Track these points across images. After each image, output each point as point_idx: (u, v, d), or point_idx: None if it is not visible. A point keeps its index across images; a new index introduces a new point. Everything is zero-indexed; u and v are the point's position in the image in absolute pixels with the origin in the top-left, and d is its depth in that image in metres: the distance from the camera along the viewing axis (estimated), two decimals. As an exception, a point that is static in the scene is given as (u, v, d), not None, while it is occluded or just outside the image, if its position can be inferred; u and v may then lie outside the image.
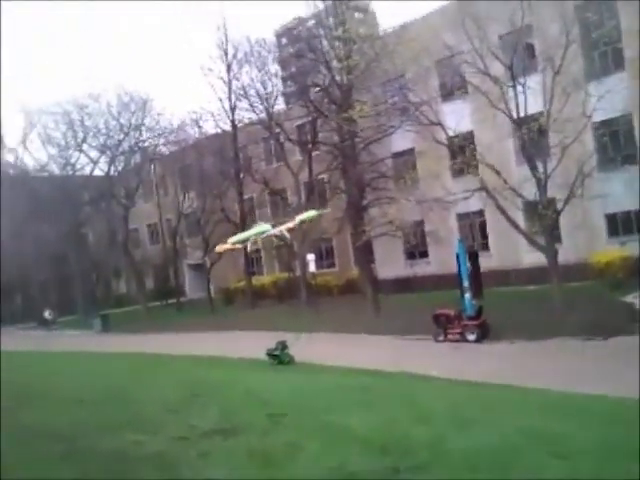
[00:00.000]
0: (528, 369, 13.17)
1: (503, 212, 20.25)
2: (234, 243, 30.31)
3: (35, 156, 52.15)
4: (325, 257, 37.49)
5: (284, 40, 56.34)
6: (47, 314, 40.08)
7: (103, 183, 37.69)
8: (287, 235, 33.49)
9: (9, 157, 42.09)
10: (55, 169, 39.47)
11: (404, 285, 31.57)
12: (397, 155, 30.96)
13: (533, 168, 19.27)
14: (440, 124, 20.56)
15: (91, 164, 38.60)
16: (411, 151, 31.24)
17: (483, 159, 21.08)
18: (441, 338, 19.18)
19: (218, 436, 6.59)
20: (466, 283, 19.62)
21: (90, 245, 45.87)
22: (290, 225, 33.30)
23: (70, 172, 39.19)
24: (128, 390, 10.28)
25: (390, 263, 32.35)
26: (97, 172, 39.76)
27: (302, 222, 33.24)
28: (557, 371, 12.52)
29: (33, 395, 10.09)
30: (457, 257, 20.90)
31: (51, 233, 41.35)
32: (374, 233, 25.25)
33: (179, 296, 40.26)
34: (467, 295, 19.42)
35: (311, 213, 36.99)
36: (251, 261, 37.74)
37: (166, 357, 18.11)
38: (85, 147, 37.50)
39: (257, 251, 39.94)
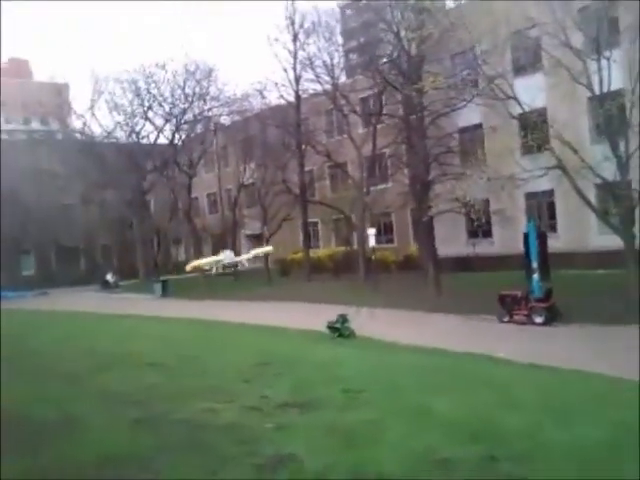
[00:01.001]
0: (604, 355, 12.55)
1: (579, 192, 19.35)
2: (200, 265, 33.61)
3: (102, 123, 53.53)
4: (384, 232, 37.06)
5: (348, 12, 55.30)
6: (109, 277, 41.28)
7: (167, 151, 38.17)
8: (245, 264, 35.20)
9: (77, 123, 43.15)
10: (121, 136, 40.24)
11: (464, 264, 30.92)
12: (464, 130, 30.11)
13: (614, 147, 18.25)
14: (515, 98, 19.67)
15: (156, 132, 39.23)
16: (479, 127, 30.32)
17: (559, 136, 20.10)
18: (506, 319, 18.67)
19: (293, 409, 6.45)
20: (535, 264, 18.95)
21: (152, 212, 46.79)
22: (248, 256, 35.35)
23: (135, 140, 39.85)
24: (198, 356, 10.32)
25: (451, 241, 31.64)
26: (161, 141, 40.42)
27: (257, 255, 35.06)
28: (636, 360, 11.88)
29: (110, 360, 10.23)
30: (525, 237, 20.22)
31: (116, 199, 42.45)
32: (439, 209, 24.63)
33: (236, 265, 40.62)
34: (535, 276, 18.78)
35: (268, 248, 38.15)
36: (308, 234, 37.67)
37: (228, 325, 18.22)
38: (150, 115, 38.14)
39: (314, 224, 39.96)
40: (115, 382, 8.44)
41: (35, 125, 47.28)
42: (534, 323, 17.96)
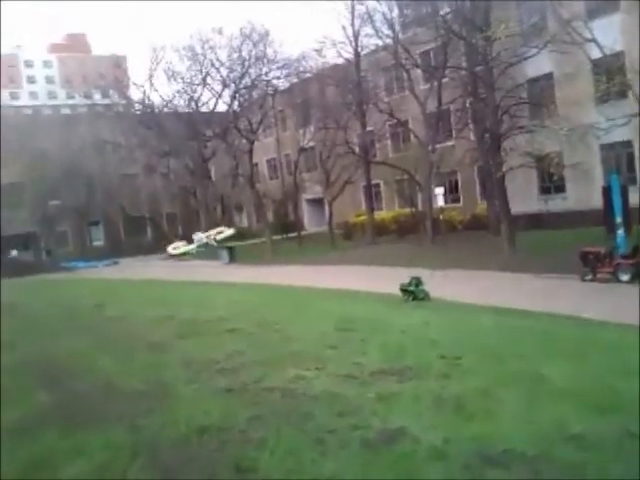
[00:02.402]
0: None
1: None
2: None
3: (161, 92, 53.89)
4: (449, 192, 35.95)
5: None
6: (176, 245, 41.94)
7: (226, 117, 38.04)
8: (214, 243, 37.89)
9: (137, 94, 43.60)
10: (180, 104, 40.38)
11: (536, 222, 29.67)
12: (533, 81, 28.53)
13: None
14: (595, 41, 18.28)
15: (214, 99, 39.13)
16: (549, 76, 28.72)
17: (641, 80, 18.64)
18: (589, 277, 17.69)
19: (391, 377, 6.08)
20: (619, 219, 17.81)
21: (214, 179, 47.10)
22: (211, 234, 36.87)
23: (194, 107, 39.90)
24: (277, 322, 10.08)
25: (521, 198, 30.36)
26: (220, 107, 40.33)
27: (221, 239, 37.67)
28: None
29: (190, 327, 10.16)
30: (605, 191, 19.02)
31: (178, 167, 42.87)
32: (510, 165, 23.55)
33: (299, 230, 40.53)
34: (620, 232, 17.66)
35: (229, 232, 39.20)
36: (371, 196, 36.98)
37: (298, 290, 18.03)
38: (209, 81, 37.98)
39: (376, 186, 39.21)
40: (199, 349, 8.31)
41: (96, 98, 48.02)
42: (619, 281, 16.96)
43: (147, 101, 41.70)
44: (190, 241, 42.80)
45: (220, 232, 41.54)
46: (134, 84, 43.02)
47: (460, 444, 4.14)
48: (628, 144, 26.92)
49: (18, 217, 42.55)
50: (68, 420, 5.57)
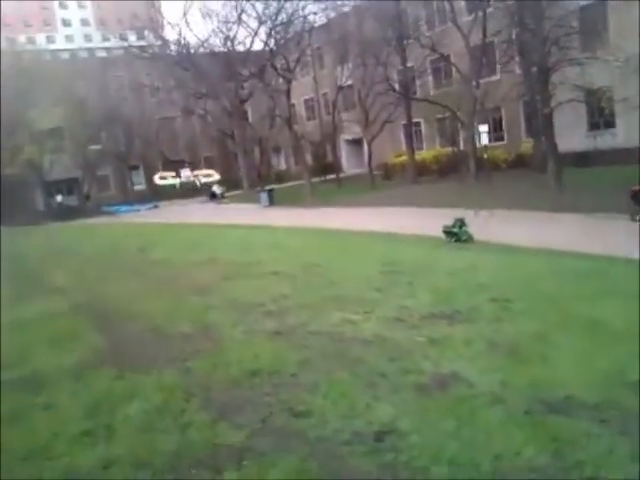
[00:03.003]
0: None
1: None
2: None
3: (196, 32, 53.05)
4: (492, 129, 34.86)
5: None
6: (216, 188, 42.12)
7: (263, 56, 37.27)
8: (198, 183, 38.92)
9: (172, 34, 43.02)
10: (216, 44, 39.70)
11: (584, 159, 28.60)
12: (584, 9, 26.94)
13: None
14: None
15: (250, 37, 38.27)
16: (602, 3, 27.08)
17: None
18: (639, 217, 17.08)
19: (441, 321, 5.97)
20: (674, 155, 17.00)
21: (251, 121, 46.69)
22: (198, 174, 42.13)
23: (230, 46, 39.20)
24: (320, 264, 10.03)
25: (568, 135, 29.22)
26: (256, 46, 39.51)
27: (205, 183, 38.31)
28: None
29: (234, 269, 10.20)
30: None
31: (215, 109, 42.50)
32: (558, 100, 22.55)
33: (338, 172, 40.11)
34: (674, 169, 16.90)
35: (215, 177, 38.94)
36: (411, 135, 36.13)
37: (339, 232, 17.89)
38: (244, 18, 37.13)
39: (416, 124, 38.25)
40: (244, 292, 8.33)
41: (132, 40, 47.58)
42: (673, 220, 16.31)
43: (182, 41, 41.11)
44: (229, 184, 43.07)
45: (209, 175, 42.77)
46: (169, 24, 42.53)
47: (518, 390, 4.03)
48: (687, 75, 25.44)
49: (60, 162, 43.16)
50: (121, 362, 5.67)
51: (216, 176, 43.64)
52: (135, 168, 49.61)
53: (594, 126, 29.34)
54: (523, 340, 5.04)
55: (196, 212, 33.39)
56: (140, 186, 49.91)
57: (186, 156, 49.24)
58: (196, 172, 42.94)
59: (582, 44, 26.23)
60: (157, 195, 45.88)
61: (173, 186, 42.53)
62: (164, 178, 43.14)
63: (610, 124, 28.58)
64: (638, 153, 24.99)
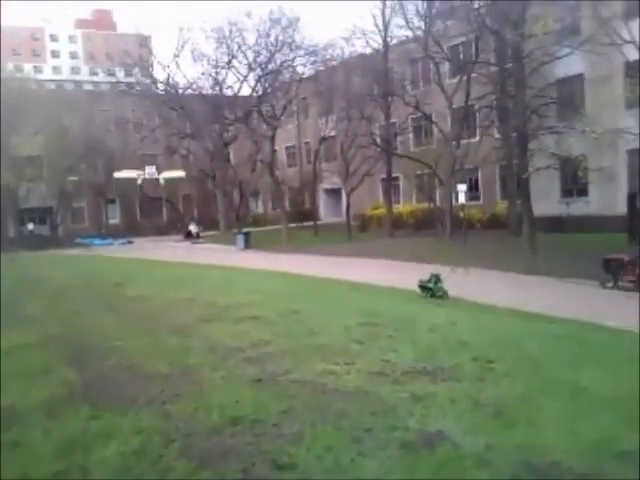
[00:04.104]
0: None
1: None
2: None
3: (186, 73, 53.71)
4: (469, 189, 35.67)
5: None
6: (193, 228, 42.00)
7: (250, 102, 37.88)
8: (162, 182, 38.98)
9: (161, 74, 43.51)
10: (204, 86, 40.25)
11: (557, 224, 29.32)
12: (562, 81, 28.12)
13: None
14: (634, 42, 17.93)
15: (239, 83, 38.98)
16: (580, 77, 28.30)
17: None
18: (610, 285, 17.41)
19: (424, 377, 5.96)
20: (645, 226, 17.53)
21: (233, 164, 47.03)
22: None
23: (219, 90, 39.76)
24: (299, 311, 9.99)
25: (542, 199, 30.03)
26: (244, 91, 40.18)
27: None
28: None
29: (213, 311, 10.10)
30: (631, 197, 18.75)
31: (198, 150, 42.79)
32: (534, 165, 23.25)
33: (315, 219, 40.40)
34: (645, 240, 17.39)
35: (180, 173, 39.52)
36: (390, 189, 36.75)
37: (316, 280, 17.91)
38: (235, 64, 37.84)
39: (395, 179, 38.93)
40: (223, 335, 8.23)
41: (120, 76, 48.03)
42: (641, 290, 16.67)
43: (171, 81, 41.67)
44: (206, 224, 42.99)
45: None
46: (159, 63, 43.00)
47: (504, 453, 4.02)
48: (656, 151, 26.50)
49: (37, 191, 42.74)
50: (96, 400, 5.51)
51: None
52: (112, 202, 49.31)
53: (567, 193, 30.23)
54: (508, 402, 5.05)
55: (172, 250, 33.14)
56: (115, 220, 49.55)
57: (164, 193, 49.19)
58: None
59: (560, 114, 27.28)
60: (131, 230, 45.52)
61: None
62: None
63: (583, 192, 29.49)
64: (609, 221, 25.79)
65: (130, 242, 41.53)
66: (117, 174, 41.61)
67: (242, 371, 6.44)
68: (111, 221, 49.24)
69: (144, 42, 48.06)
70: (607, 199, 27.44)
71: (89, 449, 4.39)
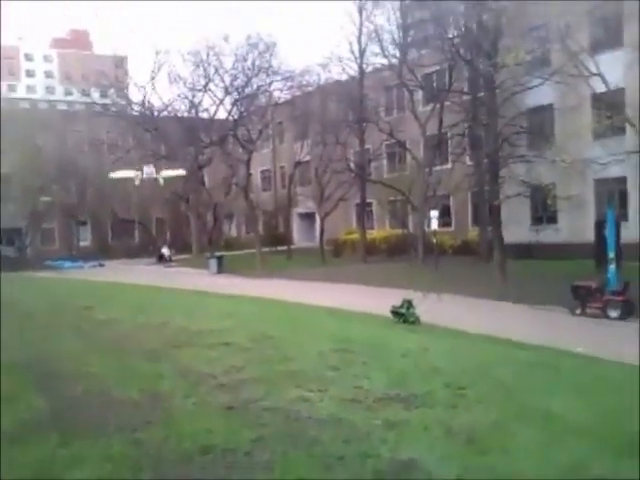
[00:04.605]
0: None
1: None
2: None
3: (162, 95, 53.78)
4: (441, 215, 36.12)
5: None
6: (165, 251, 41.63)
7: (226, 125, 37.99)
8: (162, 182, 37.08)
9: (137, 95, 43.43)
10: (180, 109, 40.32)
11: (527, 251, 29.82)
12: (532, 111, 28.83)
13: None
14: (601, 75, 18.52)
15: (215, 106, 39.11)
16: (549, 108, 29.04)
17: (643, 118, 18.88)
18: (578, 312, 17.71)
19: (397, 404, 5.96)
20: (612, 254, 17.86)
21: (207, 187, 46.94)
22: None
23: (194, 113, 39.83)
24: (272, 337, 9.94)
25: (513, 227, 30.56)
26: (220, 114, 40.28)
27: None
28: None
29: (184, 336, 9.99)
30: (598, 225, 19.11)
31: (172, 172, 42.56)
32: (505, 193, 23.70)
33: (289, 243, 40.41)
34: (612, 267, 17.71)
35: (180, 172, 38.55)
36: (364, 214, 37.01)
37: (290, 305, 17.87)
38: (211, 87, 37.99)
39: (369, 204, 39.25)
40: (195, 361, 8.13)
41: (95, 97, 47.82)
42: (608, 317, 16.99)
43: (147, 103, 41.60)
44: (178, 247, 42.62)
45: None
46: (135, 85, 42.94)
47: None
48: (622, 180, 27.23)
49: (5, 211, 41.99)
50: (64, 427, 5.40)
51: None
52: (83, 224, 48.70)
53: (537, 220, 30.81)
54: (480, 429, 5.08)
55: (143, 274, 32.77)
56: (86, 242, 48.88)
57: (137, 216, 48.79)
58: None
59: (531, 143, 27.93)
60: (103, 253, 44.93)
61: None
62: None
63: (553, 219, 30.09)
64: (578, 249, 26.26)
65: (101, 265, 40.94)
66: (113, 174, 39.40)
67: (214, 398, 6.36)
68: (82, 243, 48.58)
69: (120, 63, 48.13)
70: (576, 227, 27.99)
71: (57, 477, 4.29)
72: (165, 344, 9.38)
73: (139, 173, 38.62)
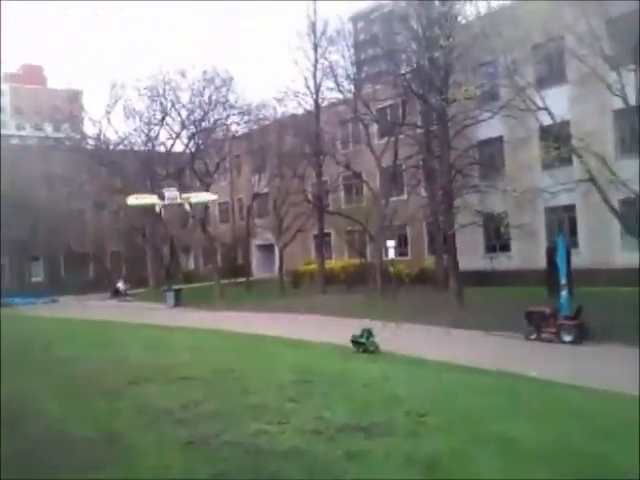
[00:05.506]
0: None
1: (612, 208, 18.88)
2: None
3: (117, 129, 53.33)
4: (398, 245, 36.59)
5: (361, 24, 55.18)
6: (121, 285, 40.84)
7: (182, 159, 37.89)
8: (188, 208, 34.90)
9: (92, 130, 42.94)
10: (136, 142, 40.02)
11: (482, 279, 30.34)
12: (483, 143, 29.71)
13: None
14: (547, 109, 19.28)
15: (171, 140, 38.98)
16: (499, 140, 29.95)
17: (588, 148, 19.65)
18: (533, 337, 18.05)
19: (358, 434, 5.99)
20: (564, 280, 18.37)
21: (164, 220, 46.47)
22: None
23: (150, 147, 39.63)
24: (233, 370, 9.86)
25: (468, 255, 31.16)
26: (177, 148, 40.16)
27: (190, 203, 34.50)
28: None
29: (142, 372, 9.81)
30: (548, 252, 19.67)
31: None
32: (459, 222, 24.23)
33: (248, 275, 40.21)
34: (564, 293, 18.20)
35: (212, 196, 37.22)
36: (321, 245, 37.24)
37: (250, 337, 17.72)
38: (168, 121, 37.91)
39: (327, 235, 39.52)
40: (153, 397, 8.01)
41: (48, 131, 47.12)
42: (562, 341, 17.38)
43: (102, 137, 41.20)
44: (135, 281, 41.89)
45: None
46: (90, 119, 42.51)
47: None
48: (571, 208, 28.14)
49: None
50: (20, 469, 5.24)
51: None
52: (35, 259, 47.45)
53: (491, 248, 31.46)
54: (441, 455, 5.14)
55: (99, 309, 32.04)
56: (38, 278, 47.55)
57: (92, 249, 47.84)
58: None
59: (483, 174, 28.71)
60: (56, 288, 43.72)
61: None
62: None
63: (506, 247, 30.76)
64: (531, 275, 26.89)
65: (54, 301, 39.79)
66: (131, 200, 34.04)
67: (172, 434, 6.28)
68: (34, 279, 47.25)
69: (75, 97, 47.54)
70: (528, 254, 28.67)
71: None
72: (123, 381, 9.20)
73: (159, 200, 33.43)
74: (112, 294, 40.35)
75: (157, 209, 34.23)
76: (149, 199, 34.56)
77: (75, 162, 41.06)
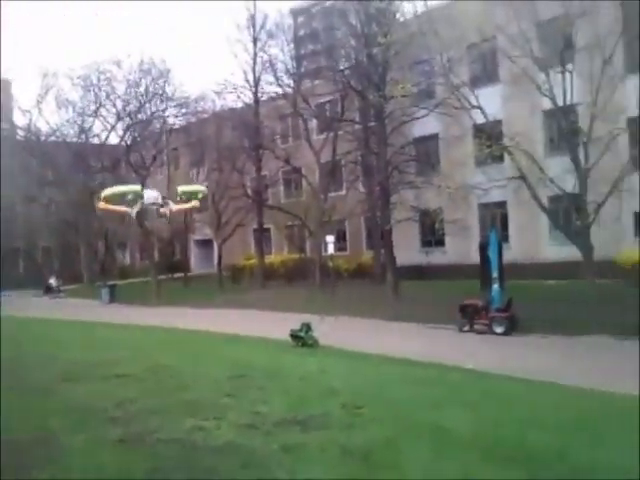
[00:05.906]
0: (578, 367, 12.58)
1: (540, 204, 19.66)
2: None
3: (49, 120, 51.36)
4: (337, 240, 36.89)
5: (301, 18, 55.19)
6: (53, 281, 39.47)
7: (118, 151, 36.88)
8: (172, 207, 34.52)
9: (22, 120, 41.25)
10: (69, 134, 38.65)
11: (417, 273, 31.05)
12: (419, 140, 30.32)
13: (575, 159, 18.65)
14: (480, 107, 19.87)
15: (106, 132, 37.85)
16: (435, 137, 30.63)
17: (518, 147, 20.40)
18: (466, 329, 18.65)
19: (295, 427, 6.03)
20: (495, 274, 19.02)
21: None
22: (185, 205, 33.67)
23: (84, 138, 38.37)
24: (168, 367, 9.73)
25: (404, 249, 31.77)
26: (112, 141, 39.04)
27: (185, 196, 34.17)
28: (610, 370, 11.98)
29: (75, 370, 9.54)
30: (481, 246, 20.32)
31: (61, 199, 40.64)
32: (396, 218, 24.67)
33: (186, 270, 39.65)
34: (496, 286, 18.84)
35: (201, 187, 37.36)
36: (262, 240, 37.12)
37: (187, 333, 17.52)
38: (102, 113, 36.80)
39: (267, 230, 39.41)
40: (86, 395, 7.81)
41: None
42: (494, 333, 18.01)
43: (33, 127, 39.59)
44: (68, 277, 40.55)
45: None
46: (19, 109, 40.75)
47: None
48: (503, 204, 29.12)
49: None
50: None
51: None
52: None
53: (426, 243, 32.21)
54: (375, 447, 5.25)
55: (29, 306, 30.85)
56: (-38, 274, 45.31)
57: (22, 244, 45.99)
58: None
59: (419, 170, 29.31)
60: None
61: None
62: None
63: (441, 242, 31.55)
64: (465, 269, 27.69)
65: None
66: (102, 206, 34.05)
67: (105, 433, 6.15)
68: (-41, 274, 45.04)
69: (5, 87, 45.43)
70: (462, 249, 29.50)
71: None
72: (55, 379, 8.93)
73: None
74: (44, 290, 38.97)
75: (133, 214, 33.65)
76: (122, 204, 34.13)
77: (4, 153, 39.34)
